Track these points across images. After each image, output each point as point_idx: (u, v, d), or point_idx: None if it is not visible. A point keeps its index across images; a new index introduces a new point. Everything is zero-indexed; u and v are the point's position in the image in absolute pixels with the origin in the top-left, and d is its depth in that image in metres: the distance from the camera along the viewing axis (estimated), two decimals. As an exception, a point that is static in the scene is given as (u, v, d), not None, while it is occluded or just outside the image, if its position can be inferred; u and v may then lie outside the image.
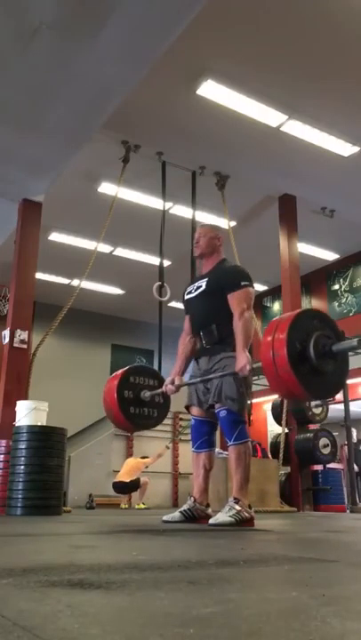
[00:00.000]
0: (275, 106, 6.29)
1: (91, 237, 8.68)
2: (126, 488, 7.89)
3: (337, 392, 2.97)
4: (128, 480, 7.78)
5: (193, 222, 7.73)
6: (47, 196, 7.18)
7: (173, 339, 3.94)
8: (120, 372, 3.81)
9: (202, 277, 3.49)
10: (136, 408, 3.72)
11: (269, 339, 2.59)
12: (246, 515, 3.06)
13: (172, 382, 3.49)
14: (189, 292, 3.51)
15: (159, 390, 3.63)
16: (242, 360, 3.06)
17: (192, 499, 3.38)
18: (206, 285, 3.39)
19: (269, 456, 7.63)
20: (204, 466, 3.39)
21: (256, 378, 5.02)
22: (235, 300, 3.24)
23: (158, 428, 4.30)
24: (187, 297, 3.53)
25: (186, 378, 3.55)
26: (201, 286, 3.42)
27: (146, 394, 3.70)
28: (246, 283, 3.31)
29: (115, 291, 11.83)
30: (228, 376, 3.14)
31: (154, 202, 7.95)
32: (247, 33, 5.39)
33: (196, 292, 3.43)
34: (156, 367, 6.63)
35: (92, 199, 8.03)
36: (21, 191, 7.02)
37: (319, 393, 3.00)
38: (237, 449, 3.14)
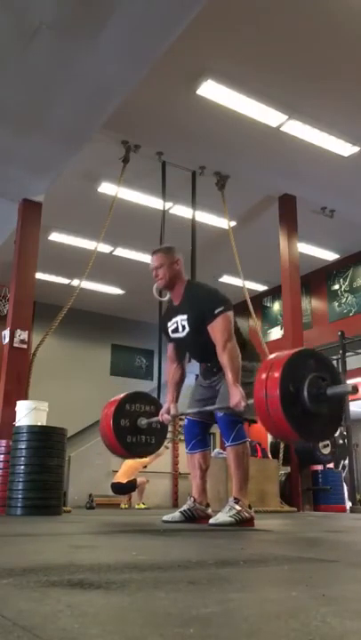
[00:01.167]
0: (275, 106, 6.29)
1: (91, 237, 8.68)
2: (124, 489, 7.89)
3: (332, 435, 2.84)
4: (125, 481, 7.78)
5: (193, 222, 7.73)
6: (47, 196, 7.18)
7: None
8: (116, 399, 3.76)
9: (177, 311, 3.31)
10: (133, 436, 3.67)
11: (263, 376, 2.51)
12: (246, 515, 3.06)
13: (168, 411, 3.44)
14: (175, 331, 3.34)
15: (155, 419, 3.58)
16: (235, 396, 2.95)
17: (192, 499, 3.38)
18: (189, 324, 3.23)
19: (269, 456, 7.63)
20: (199, 466, 3.40)
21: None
22: (214, 331, 3.10)
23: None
24: (173, 335, 3.38)
25: (192, 377, 3.55)
26: (184, 326, 3.26)
27: (143, 421, 3.65)
28: (221, 309, 3.11)
29: (115, 291, 11.83)
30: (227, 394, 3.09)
31: (154, 202, 7.95)
32: (247, 33, 5.39)
33: (184, 333, 3.28)
34: (155, 367, 6.63)
35: (92, 199, 8.03)
36: (21, 191, 7.02)
37: (313, 436, 2.90)
38: (236, 449, 3.14)
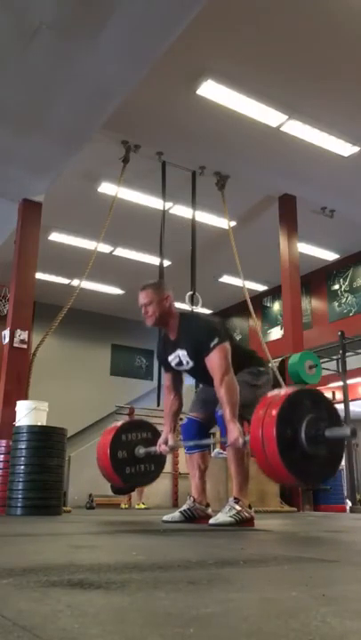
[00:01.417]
0: (275, 106, 6.29)
1: (91, 237, 8.68)
2: (122, 489, 7.89)
3: (330, 477, 2.72)
4: None
5: (193, 222, 7.73)
6: (47, 196, 7.18)
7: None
8: (111, 429, 3.70)
9: (175, 346, 3.25)
10: (132, 467, 3.62)
11: (260, 417, 2.46)
12: (246, 515, 3.06)
13: (166, 442, 3.43)
14: (180, 364, 3.29)
15: (153, 449, 3.54)
16: (233, 433, 2.89)
17: (192, 499, 3.38)
18: (191, 358, 3.19)
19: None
20: (198, 466, 3.40)
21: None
22: (210, 364, 3.05)
23: (157, 428, 4.27)
24: (179, 368, 3.34)
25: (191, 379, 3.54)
26: (188, 361, 3.22)
27: (140, 450, 3.62)
28: (215, 341, 3.04)
29: (115, 291, 11.83)
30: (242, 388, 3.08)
31: (154, 202, 7.95)
32: (247, 33, 5.39)
33: (189, 367, 3.25)
34: (155, 367, 6.62)
35: (92, 199, 8.03)
36: (21, 191, 7.02)
37: (311, 479, 2.85)
38: (235, 449, 3.14)
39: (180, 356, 3.24)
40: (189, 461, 3.45)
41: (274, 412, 2.41)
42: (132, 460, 3.62)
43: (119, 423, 3.80)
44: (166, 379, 3.50)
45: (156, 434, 3.68)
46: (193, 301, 7.28)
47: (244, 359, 3.28)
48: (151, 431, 3.74)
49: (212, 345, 3.03)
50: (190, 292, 7.31)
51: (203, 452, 3.43)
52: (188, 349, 3.19)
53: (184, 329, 3.20)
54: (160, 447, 3.45)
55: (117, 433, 3.62)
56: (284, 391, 2.59)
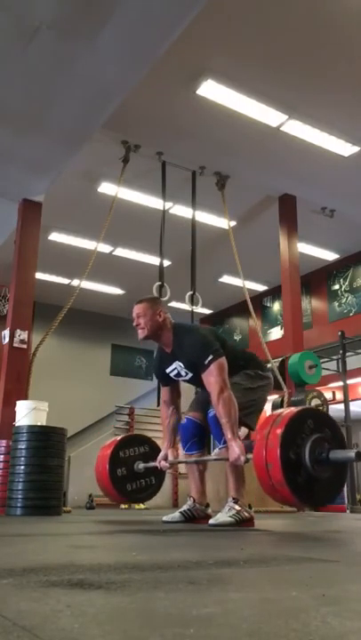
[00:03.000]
0: (275, 106, 6.29)
1: (91, 237, 8.68)
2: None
3: (334, 499, 2.69)
4: None
5: (193, 222, 7.73)
6: (47, 196, 7.18)
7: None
8: (109, 444, 3.68)
9: (173, 358, 3.25)
10: (132, 483, 3.60)
11: (265, 432, 2.45)
12: (246, 515, 3.06)
13: (166, 458, 3.43)
14: (178, 375, 3.29)
15: (153, 464, 3.53)
16: (234, 451, 2.88)
17: (191, 499, 3.38)
18: (189, 370, 3.20)
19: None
20: (197, 467, 3.40)
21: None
22: (207, 381, 3.03)
23: (157, 428, 4.27)
24: (178, 379, 3.34)
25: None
26: (187, 372, 3.23)
27: (140, 465, 3.60)
28: (210, 358, 3.01)
29: (115, 291, 11.83)
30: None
31: (154, 202, 7.95)
32: (247, 33, 5.39)
33: (188, 377, 3.26)
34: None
35: (92, 199, 8.03)
36: (21, 191, 7.02)
37: (315, 501, 2.84)
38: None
39: (177, 368, 3.24)
40: (188, 463, 3.45)
41: (278, 433, 2.38)
42: (131, 477, 3.60)
43: (117, 438, 3.78)
44: (164, 393, 3.49)
45: (154, 447, 3.67)
46: (193, 301, 7.28)
47: (242, 363, 3.27)
48: (149, 445, 3.72)
49: (206, 362, 3.01)
50: (190, 292, 7.30)
51: (201, 453, 3.42)
52: (185, 363, 3.19)
53: (178, 342, 3.19)
54: (160, 463, 3.44)
55: (114, 450, 3.59)
56: (287, 411, 2.55)
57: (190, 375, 3.23)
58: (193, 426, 3.40)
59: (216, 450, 3.22)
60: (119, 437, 3.83)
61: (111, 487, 3.54)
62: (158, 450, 3.58)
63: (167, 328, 3.22)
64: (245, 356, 3.45)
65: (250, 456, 2.75)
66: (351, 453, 2.45)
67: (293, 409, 2.60)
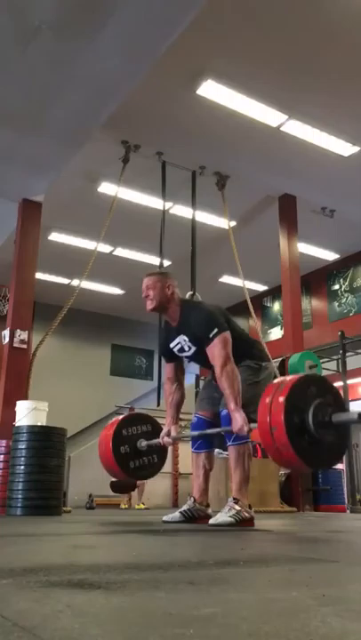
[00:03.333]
0: (275, 106, 6.30)
1: (91, 237, 8.68)
2: (123, 487, 7.89)
3: (338, 462, 2.79)
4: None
5: (193, 222, 7.73)
6: (47, 196, 7.18)
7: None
8: (112, 423, 3.69)
9: (177, 332, 3.29)
10: (136, 461, 3.62)
11: (268, 401, 2.49)
12: (246, 515, 3.06)
13: (168, 434, 3.43)
14: (182, 350, 3.33)
15: (156, 441, 3.54)
16: (238, 421, 2.93)
17: (192, 499, 3.38)
18: (193, 344, 3.23)
19: (269, 456, 7.61)
20: (203, 466, 3.39)
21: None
22: (211, 354, 3.09)
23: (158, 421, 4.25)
24: (180, 354, 3.37)
25: (192, 377, 3.54)
26: (190, 346, 3.26)
27: (142, 443, 3.61)
28: (215, 331, 3.07)
29: (115, 291, 11.83)
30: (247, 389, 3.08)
31: (154, 202, 7.95)
32: (247, 33, 5.39)
33: (191, 352, 3.29)
34: (155, 367, 6.62)
35: (92, 199, 8.03)
36: (21, 191, 7.02)
37: (320, 464, 2.90)
38: (237, 449, 3.14)
39: (181, 342, 3.29)
40: (195, 460, 3.44)
41: (281, 399, 2.44)
42: (135, 455, 3.63)
43: (119, 418, 3.80)
44: (168, 370, 3.52)
45: (156, 426, 3.69)
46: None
47: (246, 348, 3.28)
48: (151, 423, 3.76)
49: (211, 335, 3.07)
50: (190, 292, 7.30)
51: (209, 452, 3.42)
52: (190, 337, 3.24)
53: (185, 317, 3.25)
54: (163, 439, 3.46)
55: (117, 429, 3.63)
56: (290, 378, 2.61)
57: (193, 350, 3.26)
58: (203, 424, 3.41)
59: (217, 451, 3.22)
60: (121, 416, 3.85)
61: (115, 465, 3.57)
62: (160, 428, 3.60)
63: (175, 302, 3.26)
64: (249, 340, 3.46)
65: (253, 425, 2.79)
66: (354, 415, 2.52)
67: (296, 375, 2.65)
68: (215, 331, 3.08)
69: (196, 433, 3.36)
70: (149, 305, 3.26)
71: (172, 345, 3.34)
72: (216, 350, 3.06)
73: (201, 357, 3.25)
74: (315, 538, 2.77)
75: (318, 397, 2.50)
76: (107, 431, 3.68)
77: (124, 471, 3.59)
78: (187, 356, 3.37)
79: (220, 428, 3.14)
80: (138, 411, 10.41)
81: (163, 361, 3.63)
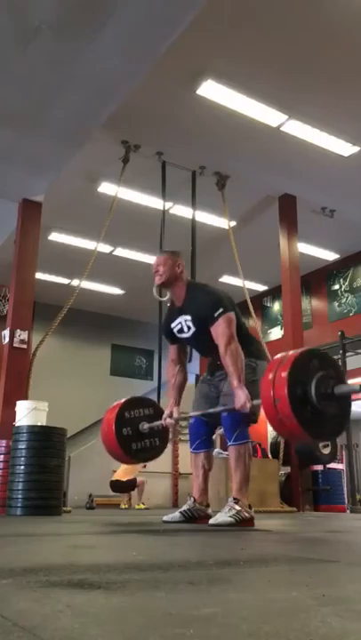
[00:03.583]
0: (275, 106, 6.29)
1: (91, 237, 8.68)
2: (123, 487, 7.90)
3: (340, 433, 2.88)
4: (125, 479, 7.79)
5: (193, 222, 7.74)
6: (47, 196, 7.18)
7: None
8: (114, 406, 3.71)
9: (180, 312, 3.35)
10: (138, 443, 3.63)
11: (270, 378, 2.53)
12: (246, 515, 3.06)
13: (171, 415, 3.45)
14: (181, 331, 3.37)
15: (158, 423, 3.56)
16: (240, 397, 2.98)
17: (192, 499, 3.38)
18: (194, 324, 3.28)
19: (269, 456, 7.63)
20: (203, 466, 3.39)
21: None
22: (215, 332, 3.14)
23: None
24: (179, 335, 3.41)
25: (192, 377, 3.54)
26: (190, 327, 3.30)
27: (144, 426, 3.62)
28: (220, 311, 3.14)
29: (115, 291, 11.83)
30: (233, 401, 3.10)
31: (154, 202, 7.95)
32: (247, 33, 5.39)
33: (190, 333, 3.32)
34: (155, 367, 6.64)
35: (92, 199, 8.03)
36: (21, 191, 7.02)
37: (322, 435, 2.96)
38: (237, 449, 3.14)
39: (182, 322, 3.34)
40: (194, 460, 3.45)
41: (284, 372, 2.49)
42: (137, 437, 3.65)
43: (120, 401, 3.82)
44: (171, 352, 3.54)
45: (158, 409, 3.70)
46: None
47: (245, 343, 3.29)
48: (152, 407, 3.78)
49: (216, 314, 3.13)
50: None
51: (208, 452, 3.43)
52: (193, 316, 3.28)
53: (190, 297, 3.32)
54: (165, 420, 3.48)
55: (120, 412, 3.65)
56: (292, 352, 2.66)
57: (192, 331, 3.29)
58: (200, 425, 3.41)
59: (216, 451, 3.22)
60: (124, 399, 3.86)
61: (117, 446, 3.58)
62: (162, 412, 3.62)
63: (182, 281, 3.36)
64: (250, 337, 3.47)
65: (256, 402, 2.82)
66: (355, 387, 2.61)
67: (298, 350, 2.70)
68: (221, 310, 3.15)
69: (198, 413, 3.35)
70: (158, 280, 3.36)
71: (172, 325, 3.40)
72: (220, 329, 3.11)
73: (200, 340, 3.30)
74: (315, 538, 2.77)
75: (320, 370, 2.56)
76: (109, 414, 3.71)
77: (126, 453, 3.61)
78: (185, 338, 3.40)
79: (222, 407, 3.14)
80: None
81: (166, 348, 3.67)
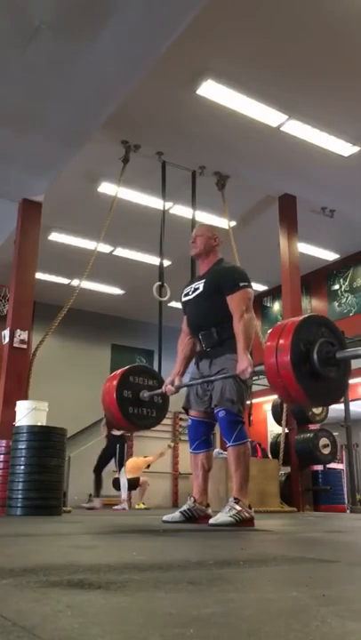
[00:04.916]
0: (275, 106, 6.29)
1: (91, 237, 8.68)
2: (126, 485, 7.91)
3: (338, 399, 2.95)
4: (129, 477, 7.81)
5: (193, 222, 7.73)
6: (47, 196, 7.18)
7: (173, 339, 3.93)
8: (119, 371, 3.79)
9: (199, 279, 3.46)
10: (135, 408, 3.69)
11: (273, 342, 2.58)
12: (246, 515, 3.06)
13: (172, 383, 3.48)
14: (187, 294, 3.48)
15: (159, 391, 3.61)
16: (243, 363, 3.04)
17: (192, 499, 3.38)
18: (203, 287, 3.35)
19: (269, 456, 7.63)
20: (202, 466, 3.39)
21: (256, 378, 5.09)
22: (233, 301, 3.21)
23: (158, 428, 4.27)
24: (184, 299, 3.50)
25: (186, 379, 3.55)
26: (198, 288, 3.38)
27: (145, 394, 3.68)
28: (245, 283, 3.27)
29: (115, 291, 11.83)
30: (229, 378, 3.13)
31: (154, 202, 7.95)
32: (247, 33, 5.39)
33: (194, 295, 3.39)
34: (156, 367, 6.65)
35: (92, 199, 8.03)
36: (21, 191, 7.02)
37: (320, 399, 3.01)
38: (236, 450, 3.14)
39: (194, 286, 3.44)
40: (194, 461, 3.45)
41: (289, 333, 2.55)
42: (135, 402, 3.69)
43: (126, 367, 3.84)
44: (184, 321, 3.57)
45: (161, 384, 3.71)
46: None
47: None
48: (157, 379, 3.81)
49: (241, 284, 3.25)
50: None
51: (207, 452, 3.43)
52: (208, 280, 3.37)
53: (216, 268, 3.44)
54: (166, 387, 3.51)
55: (125, 373, 3.71)
56: (294, 319, 2.71)
57: (197, 293, 3.37)
58: (198, 425, 3.41)
59: (216, 451, 3.22)
60: (129, 366, 3.89)
61: (115, 405, 3.59)
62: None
63: (215, 254, 3.52)
64: None
65: (258, 368, 2.89)
66: (358, 350, 2.68)
67: (303, 316, 2.76)
68: (244, 283, 3.27)
69: (198, 381, 3.33)
70: (194, 250, 3.50)
71: (186, 290, 3.51)
72: (240, 298, 3.22)
73: (199, 306, 3.35)
74: (315, 538, 2.77)
75: (324, 336, 2.63)
76: (115, 373, 3.76)
77: (122, 413, 3.62)
78: (186, 302, 3.46)
79: (223, 376, 3.15)
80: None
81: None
